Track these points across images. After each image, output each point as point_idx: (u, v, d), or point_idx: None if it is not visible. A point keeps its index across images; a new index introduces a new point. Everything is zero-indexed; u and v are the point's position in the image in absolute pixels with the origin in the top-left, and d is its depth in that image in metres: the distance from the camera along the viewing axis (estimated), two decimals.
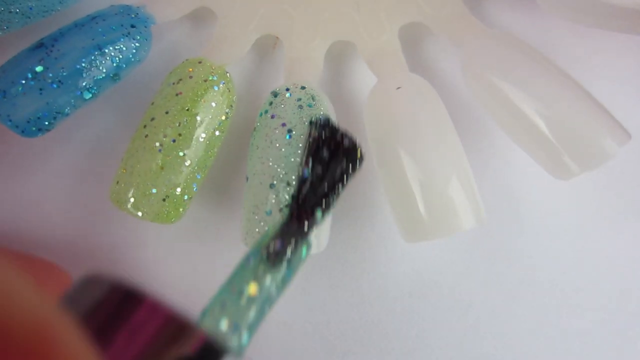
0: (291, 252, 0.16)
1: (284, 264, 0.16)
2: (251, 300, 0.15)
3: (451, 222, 0.20)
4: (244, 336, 0.15)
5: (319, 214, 0.17)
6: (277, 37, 0.24)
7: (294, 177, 0.20)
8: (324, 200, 0.17)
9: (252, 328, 0.15)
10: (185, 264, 0.23)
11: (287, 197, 0.20)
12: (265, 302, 0.16)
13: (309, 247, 0.16)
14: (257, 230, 0.20)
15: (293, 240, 0.16)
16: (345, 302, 0.23)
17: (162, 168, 0.20)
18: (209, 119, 0.21)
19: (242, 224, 0.21)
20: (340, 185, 0.17)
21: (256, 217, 0.20)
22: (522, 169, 0.24)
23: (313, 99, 0.21)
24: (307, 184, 0.17)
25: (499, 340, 0.23)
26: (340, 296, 0.23)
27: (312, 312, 0.23)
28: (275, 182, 0.20)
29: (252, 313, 0.15)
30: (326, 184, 0.17)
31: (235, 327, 0.15)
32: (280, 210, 0.19)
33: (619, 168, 0.23)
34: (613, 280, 0.23)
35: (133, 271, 0.23)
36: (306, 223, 0.16)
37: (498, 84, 0.21)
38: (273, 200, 0.20)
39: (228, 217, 0.24)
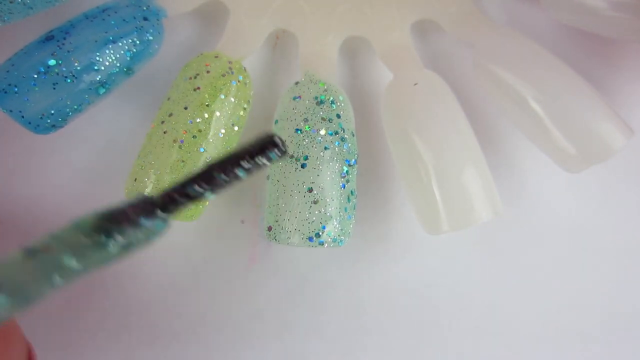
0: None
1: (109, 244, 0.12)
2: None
3: (468, 214, 0.20)
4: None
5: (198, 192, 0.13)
6: (277, 37, 0.24)
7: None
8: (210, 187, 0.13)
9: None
10: (191, 263, 0.23)
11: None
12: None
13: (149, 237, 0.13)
14: (286, 225, 0.20)
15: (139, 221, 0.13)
16: (345, 301, 0.23)
17: (184, 165, 0.20)
18: (228, 114, 0.21)
19: (265, 220, 0.20)
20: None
21: (283, 207, 0.20)
22: (524, 170, 0.24)
23: (332, 94, 0.21)
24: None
25: (499, 341, 0.23)
26: (340, 296, 0.23)
27: (312, 312, 0.23)
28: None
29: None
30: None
31: None
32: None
33: (622, 169, 0.24)
34: (614, 281, 0.23)
35: (134, 271, 0.23)
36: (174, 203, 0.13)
37: (508, 79, 0.22)
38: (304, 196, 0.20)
39: (236, 216, 0.23)
